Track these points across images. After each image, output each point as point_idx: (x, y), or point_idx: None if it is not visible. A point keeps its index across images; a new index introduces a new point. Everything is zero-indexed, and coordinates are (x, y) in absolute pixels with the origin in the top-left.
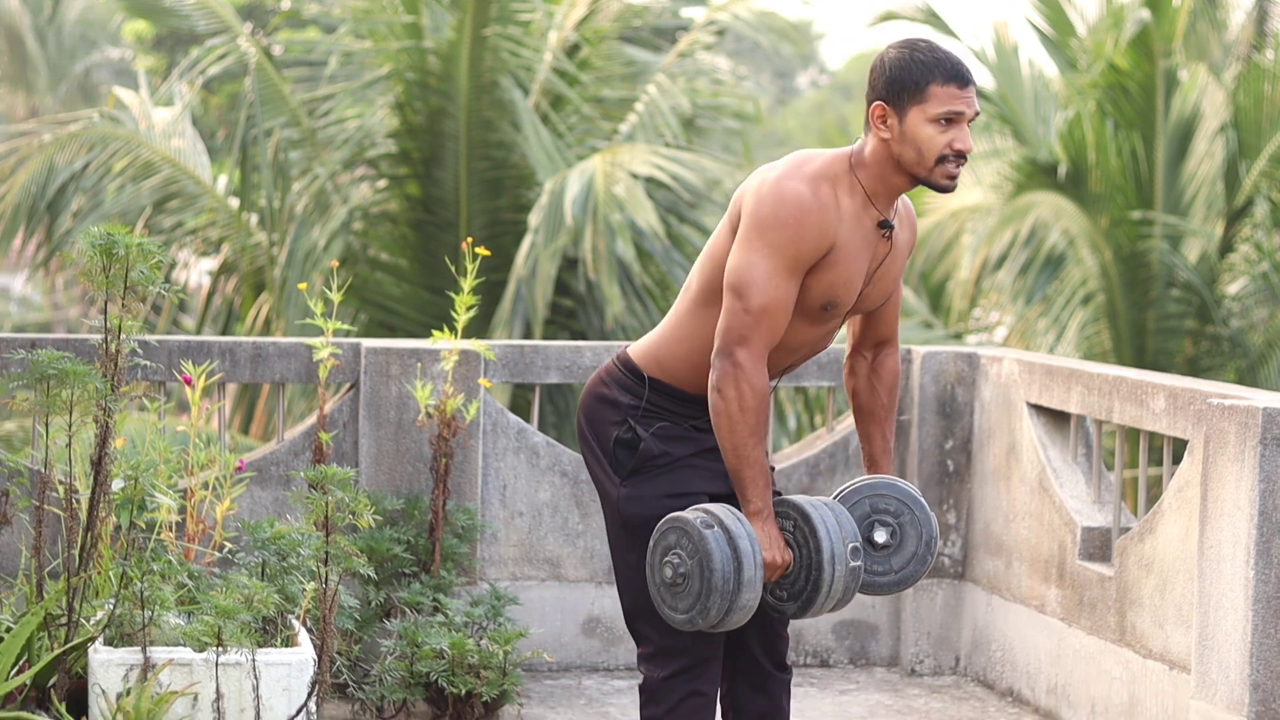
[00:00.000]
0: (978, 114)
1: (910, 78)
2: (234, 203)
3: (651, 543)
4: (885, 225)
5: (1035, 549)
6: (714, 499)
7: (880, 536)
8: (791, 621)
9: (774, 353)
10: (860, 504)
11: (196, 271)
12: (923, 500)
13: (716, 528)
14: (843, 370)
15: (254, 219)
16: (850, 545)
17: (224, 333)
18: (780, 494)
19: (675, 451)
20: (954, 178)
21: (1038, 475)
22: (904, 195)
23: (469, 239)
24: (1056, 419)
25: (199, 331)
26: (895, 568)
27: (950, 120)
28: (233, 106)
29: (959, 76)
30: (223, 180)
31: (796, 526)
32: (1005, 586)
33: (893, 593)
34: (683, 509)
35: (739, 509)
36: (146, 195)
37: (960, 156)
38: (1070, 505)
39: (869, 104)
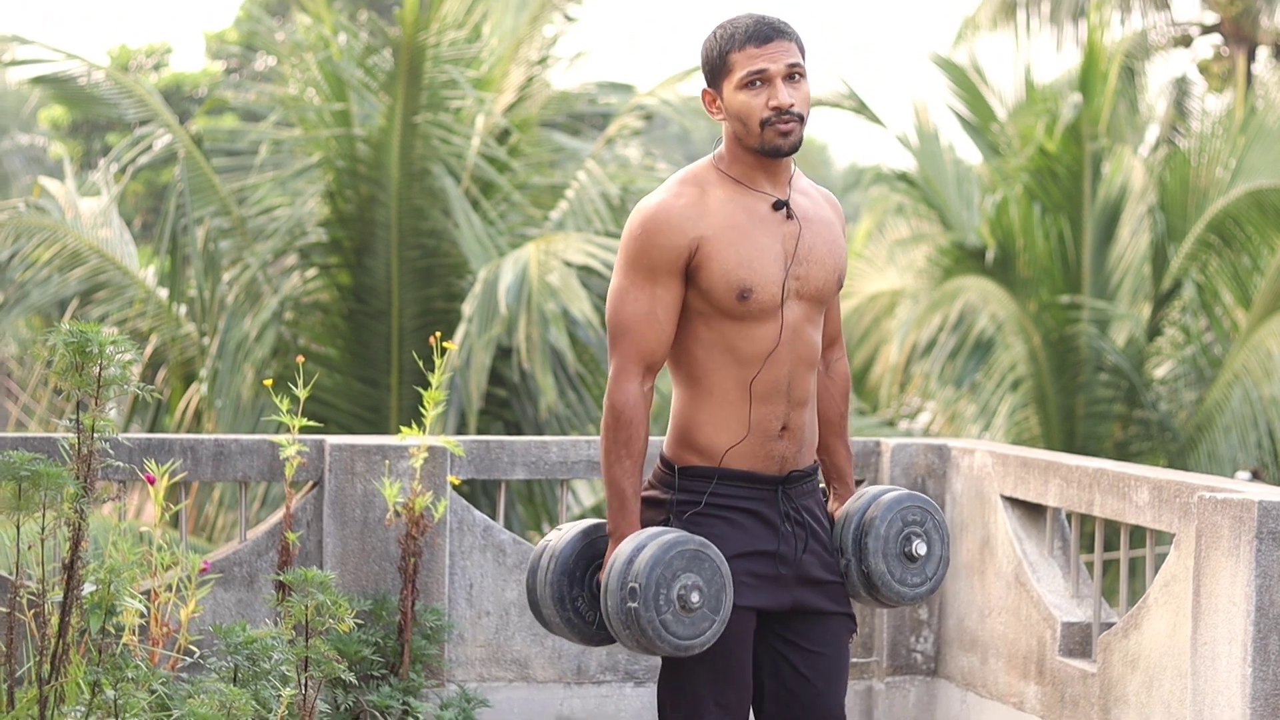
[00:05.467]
0: (795, 65)
1: (715, 54)
2: (163, 293)
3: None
4: (780, 205)
5: (1013, 645)
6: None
7: (921, 549)
8: None
9: (741, 368)
10: (894, 521)
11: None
12: (932, 500)
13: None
14: None
15: (183, 309)
16: (629, 586)
17: (153, 426)
18: None
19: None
20: (787, 134)
21: (1014, 569)
22: (811, 182)
23: (438, 334)
24: (1030, 512)
25: (127, 425)
26: (929, 574)
27: (759, 81)
28: (152, 193)
29: (755, 35)
30: (151, 270)
31: None
32: (981, 683)
33: (926, 597)
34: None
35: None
36: (74, 286)
37: (782, 113)
38: (1049, 600)
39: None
